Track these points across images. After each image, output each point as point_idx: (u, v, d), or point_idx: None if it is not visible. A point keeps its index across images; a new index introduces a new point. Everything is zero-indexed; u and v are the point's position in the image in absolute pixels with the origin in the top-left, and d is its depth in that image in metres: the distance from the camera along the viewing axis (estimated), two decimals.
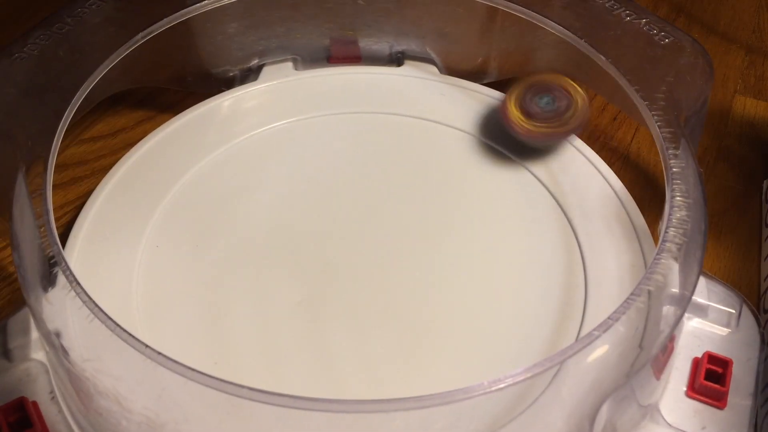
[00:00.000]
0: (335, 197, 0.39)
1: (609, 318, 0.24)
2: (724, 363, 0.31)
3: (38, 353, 0.31)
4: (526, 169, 0.40)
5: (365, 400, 0.22)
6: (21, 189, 0.29)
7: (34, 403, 0.30)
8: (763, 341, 0.33)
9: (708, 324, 0.33)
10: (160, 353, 0.23)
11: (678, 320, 0.25)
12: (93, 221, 0.37)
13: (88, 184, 0.40)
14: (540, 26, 0.38)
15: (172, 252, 0.36)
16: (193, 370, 0.22)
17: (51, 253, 0.26)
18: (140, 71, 0.41)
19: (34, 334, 0.32)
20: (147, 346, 0.23)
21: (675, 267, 0.26)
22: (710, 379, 0.31)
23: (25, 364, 0.31)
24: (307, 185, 0.39)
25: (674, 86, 0.33)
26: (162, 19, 0.38)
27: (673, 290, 0.26)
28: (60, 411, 0.30)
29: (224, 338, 0.32)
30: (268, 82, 0.45)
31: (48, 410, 0.30)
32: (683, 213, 0.27)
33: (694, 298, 0.33)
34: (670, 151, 0.29)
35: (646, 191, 0.40)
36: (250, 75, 0.45)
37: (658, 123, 0.31)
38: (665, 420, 0.29)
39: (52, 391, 0.30)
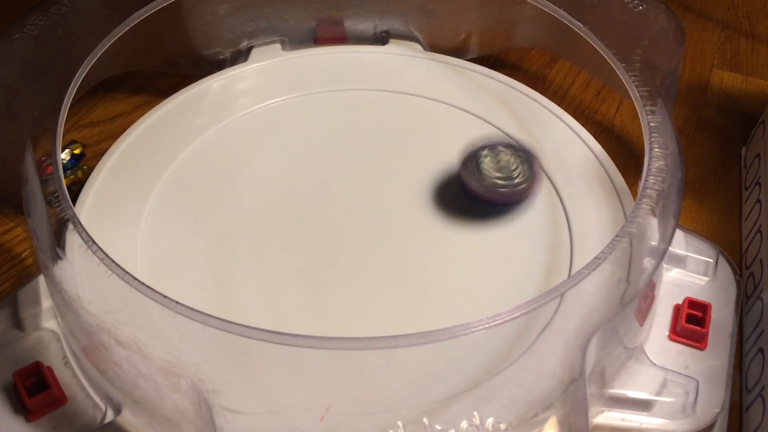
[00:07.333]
0: (328, 171, 0.40)
1: (596, 258, 0.26)
2: (704, 307, 0.33)
3: (49, 322, 0.33)
4: (511, 137, 0.42)
5: (371, 337, 0.23)
6: (29, 161, 0.30)
7: (49, 368, 0.31)
8: (739, 288, 0.35)
9: (687, 273, 0.35)
10: (178, 302, 0.24)
11: (663, 254, 0.27)
12: (93, 201, 0.38)
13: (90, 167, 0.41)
14: None
15: (172, 226, 0.37)
16: (211, 316, 0.24)
17: (66, 216, 0.27)
18: (134, 53, 0.42)
19: (45, 303, 0.33)
20: (165, 296, 0.24)
21: (656, 212, 0.28)
22: (691, 322, 0.33)
23: (37, 333, 0.32)
24: (301, 160, 0.40)
25: (649, 49, 0.35)
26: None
27: (655, 232, 0.28)
28: (74, 375, 0.31)
29: (229, 300, 0.33)
30: (258, 63, 0.46)
31: (62, 374, 0.31)
32: (661, 163, 0.29)
33: (673, 249, 0.35)
34: (647, 108, 0.31)
35: (631, 161, 0.42)
36: (239, 57, 0.46)
37: (635, 83, 0.33)
38: (650, 360, 0.31)
39: (64, 357, 0.32)
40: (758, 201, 0.38)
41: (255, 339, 0.23)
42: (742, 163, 0.44)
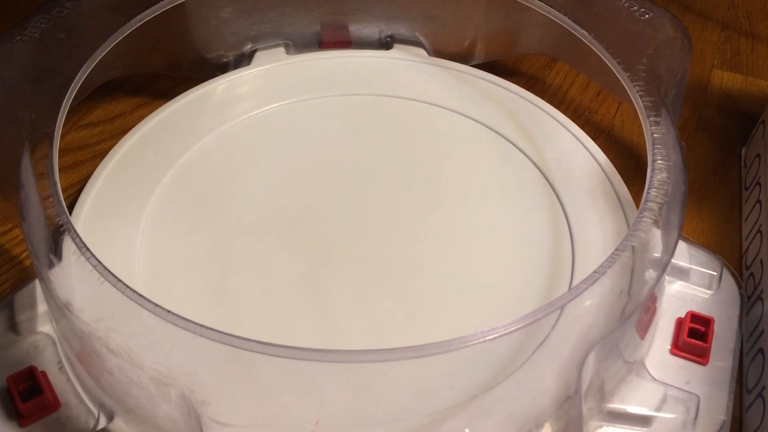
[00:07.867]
0: (330, 176, 0.40)
1: (595, 272, 0.25)
2: (706, 321, 0.33)
3: (45, 326, 0.32)
4: (514, 145, 0.41)
5: (363, 350, 0.23)
6: (26, 165, 0.30)
7: (43, 373, 0.31)
8: (743, 300, 0.35)
9: (690, 287, 0.35)
10: (170, 311, 0.24)
11: (665, 267, 0.27)
12: (93, 202, 0.38)
13: (90, 167, 0.41)
14: (525, 5, 0.40)
15: (172, 230, 0.37)
16: (202, 326, 0.23)
17: (60, 222, 0.27)
18: (137, 56, 0.42)
19: (41, 307, 0.32)
20: (157, 305, 0.24)
21: (659, 224, 0.28)
22: (693, 336, 0.32)
23: (32, 337, 0.32)
24: (303, 165, 0.40)
25: (654, 59, 0.34)
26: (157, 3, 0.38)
27: (657, 244, 0.28)
28: (68, 380, 0.31)
29: (228, 306, 0.33)
30: (261, 67, 0.46)
31: (56, 379, 0.31)
32: (664, 175, 0.29)
33: (676, 261, 0.34)
34: (651, 119, 0.31)
35: (630, 163, 0.42)
36: (243, 60, 0.46)
37: (640, 93, 0.32)
38: (651, 375, 0.31)
39: (59, 362, 0.31)
40: (758, 201, 0.38)
41: (244, 349, 0.23)
42: (742, 163, 0.43)
